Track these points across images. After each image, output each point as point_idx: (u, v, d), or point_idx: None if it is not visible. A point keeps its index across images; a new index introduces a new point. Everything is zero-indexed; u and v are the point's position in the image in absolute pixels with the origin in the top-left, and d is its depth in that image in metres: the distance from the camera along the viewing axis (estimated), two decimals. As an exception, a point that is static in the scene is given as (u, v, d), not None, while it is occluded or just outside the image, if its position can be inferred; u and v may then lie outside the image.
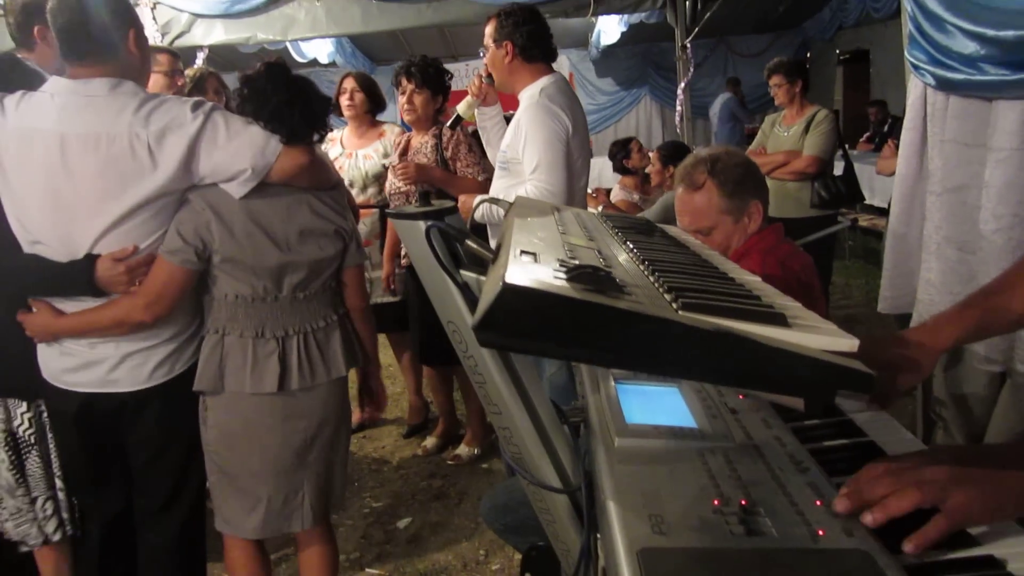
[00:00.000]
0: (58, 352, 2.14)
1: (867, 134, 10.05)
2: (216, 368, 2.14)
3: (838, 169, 4.77)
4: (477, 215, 2.89)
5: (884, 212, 7.70)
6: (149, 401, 2.16)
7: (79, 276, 2.01)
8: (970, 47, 2.36)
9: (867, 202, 7.47)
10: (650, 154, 5.88)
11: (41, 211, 2.02)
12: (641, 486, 0.94)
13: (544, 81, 2.95)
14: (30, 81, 2.12)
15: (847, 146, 5.12)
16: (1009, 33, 2.16)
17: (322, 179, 2.24)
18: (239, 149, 2.03)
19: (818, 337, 0.77)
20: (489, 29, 2.97)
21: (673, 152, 5.23)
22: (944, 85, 2.55)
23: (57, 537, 2.41)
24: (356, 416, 4.38)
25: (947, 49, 2.48)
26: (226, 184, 2.07)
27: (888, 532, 0.90)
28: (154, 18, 6.70)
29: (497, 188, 3.02)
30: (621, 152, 5.83)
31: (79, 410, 2.17)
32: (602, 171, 10.36)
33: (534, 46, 2.95)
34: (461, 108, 3.33)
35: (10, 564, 2.50)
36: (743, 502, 0.89)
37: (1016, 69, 2.21)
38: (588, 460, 1.14)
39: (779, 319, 0.80)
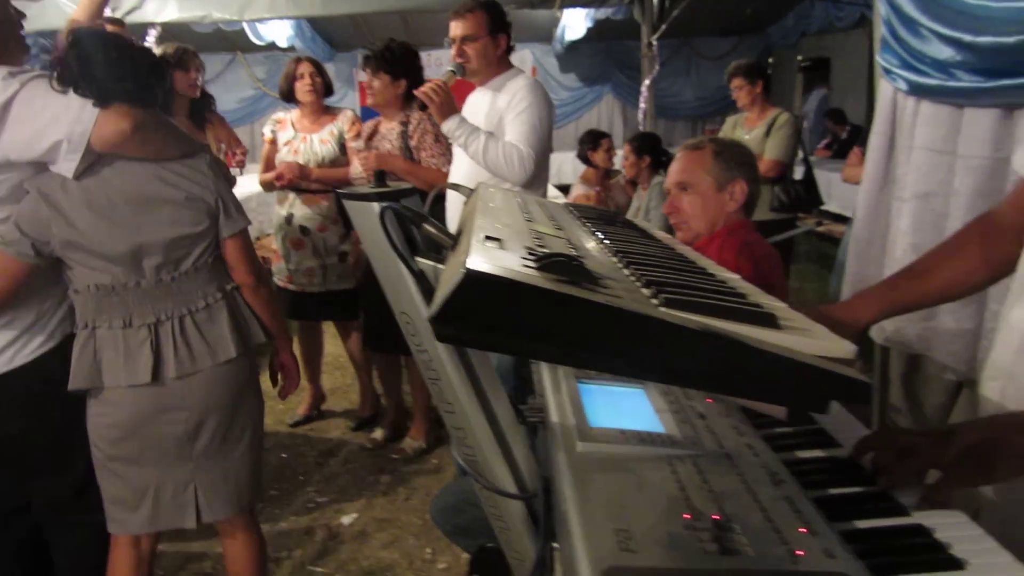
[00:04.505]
0: None
1: (825, 141, 10.14)
2: (91, 364, 2.03)
3: (798, 173, 4.76)
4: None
5: (840, 218, 7.77)
6: None
7: None
8: (945, 52, 2.33)
9: (824, 207, 7.53)
10: (618, 152, 5.87)
11: None
12: (606, 496, 0.86)
13: (526, 71, 3.12)
14: None
15: (807, 151, 5.12)
16: (986, 39, 2.13)
17: (161, 147, 2.07)
18: (53, 118, 1.89)
19: (812, 341, 0.70)
20: (479, 20, 2.99)
21: (646, 142, 5.20)
22: (916, 90, 2.52)
23: None
24: (302, 409, 4.28)
25: (921, 54, 2.46)
26: (55, 165, 1.95)
27: (869, 553, 0.84)
28: (104, -11, 6.45)
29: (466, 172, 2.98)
30: (590, 143, 5.81)
31: None
32: (562, 166, 10.35)
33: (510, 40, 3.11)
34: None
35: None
36: (716, 517, 0.81)
37: (990, 76, 2.18)
38: (547, 465, 1.06)
39: (770, 320, 0.72)
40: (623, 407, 1.13)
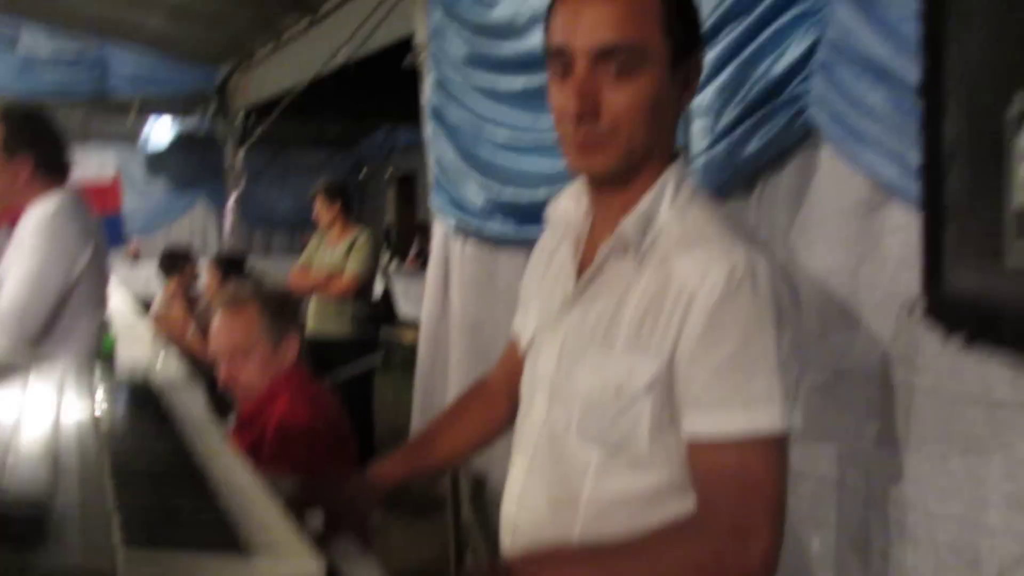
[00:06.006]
0: None
1: (415, 251, 10.80)
2: None
3: (377, 289, 5.01)
4: None
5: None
6: None
7: None
8: (480, 200, 2.64)
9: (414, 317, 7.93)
10: (203, 266, 5.67)
11: None
12: None
13: (60, 199, 2.42)
14: None
15: (390, 265, 5.42)
16: (508, 194, 2.45)
17: None
18: None
19: (276, 564, 0.73)
20: None
21: (231, 264, 5.10)
22: (461, 230, 2.81)
23: None
24: None
25: (463, 198, 2.75)
26: None
27: None
28: None
29: None
30: (182, 260, 5.53)
31: None
32: (149, 279, 9.69)
33: (57, 158, 2.48)
34: None
35: None
36: None
37: (517, 224, 2.50)
38: None
39: (235, 544, 0.74)
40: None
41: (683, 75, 1.07)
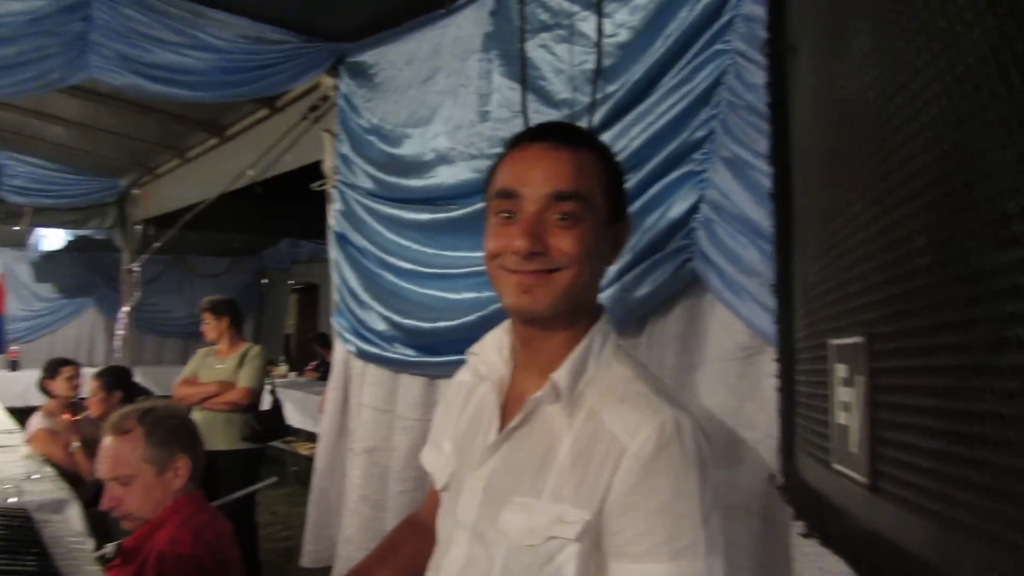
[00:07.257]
0: None
1: (314, 363, 10.60)
2: None
3: (266, 403, 4.91)
4: None
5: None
6: None
7: None
8: (382, 326, 2.67)
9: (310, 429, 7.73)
10: (88, 380, 5.42)
11: None
12: None
13: None
14: None
15: (288, 375, 5.30)
16: (410, 322, 2.49)
17: None
18: None
19: None
20: None
21: (116, 377, 4.89)
22: (362, 354, 2.82)
23: None
24: None
25: (365, 324, 2.77)
26: None
27: None
28: None
29: None
30: (48, 371, 5.26)
31: None
32: (29, 388, 9.18)
33: None
34: None
35: None
36: None
37: (417, 351, 2.53)
38: None
39: None
40: None
41: (612, 236, 1.17)
